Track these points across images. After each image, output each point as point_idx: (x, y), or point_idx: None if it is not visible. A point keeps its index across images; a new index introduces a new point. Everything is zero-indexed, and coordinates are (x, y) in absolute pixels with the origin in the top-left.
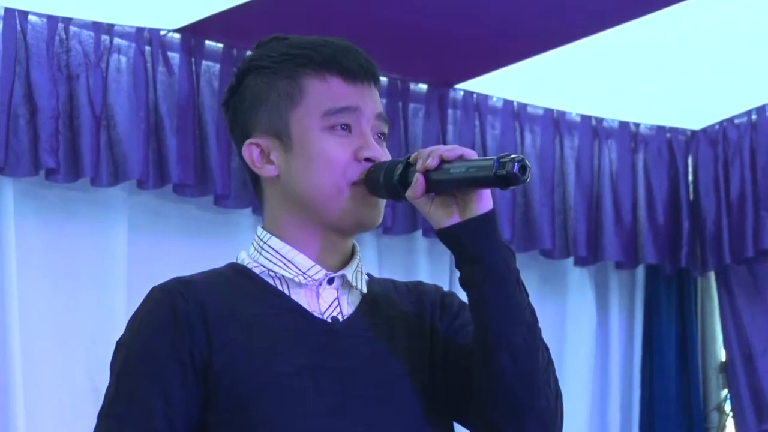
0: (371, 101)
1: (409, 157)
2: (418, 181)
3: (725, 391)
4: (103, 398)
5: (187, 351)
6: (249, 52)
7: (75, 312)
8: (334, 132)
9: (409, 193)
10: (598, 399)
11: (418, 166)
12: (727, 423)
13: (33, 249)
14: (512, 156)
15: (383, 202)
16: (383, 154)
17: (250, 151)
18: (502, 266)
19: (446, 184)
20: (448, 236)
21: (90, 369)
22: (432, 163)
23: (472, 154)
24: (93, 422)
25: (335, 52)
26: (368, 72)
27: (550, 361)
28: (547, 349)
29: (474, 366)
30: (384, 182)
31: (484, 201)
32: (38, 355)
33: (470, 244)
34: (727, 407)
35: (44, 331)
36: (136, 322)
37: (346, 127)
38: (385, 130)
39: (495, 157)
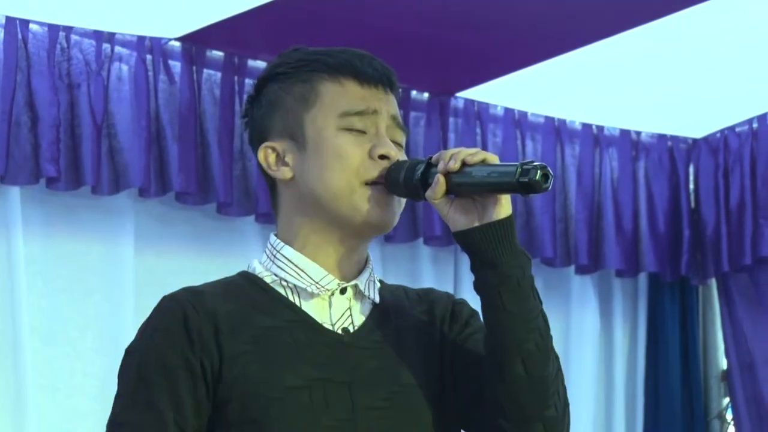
0: (387, 106)
1: (431, 157)
2: (438, 182)
3: (727, 400)
4: (114, 405)
5: (198, 362)
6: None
7: (84, 317)
8: (349, 132)
9: (428, 194)
10: (602, 406)
11: (440, 167)
12: (729, 431)
13: (41, 255)
14: (535, 163)
15: (399, 204)
16: (398, 153)
17: (266, 154)
18: (518, 272)
19: (467, 188)
20: (466, 239)
21: (99, 374)
22: (454, 165)
23: (494, 158)
24: (102, 429)
25: (350, 57)
26: (384, 76)
27: (559, 370)
28: (557, 358)
29: (484, 372)
30: (404, 180)
31: (504, 206)
32: (48, 361)
33: (487, 249)
34: (729, 415)
35: (53, 338)
36: (147, 331)
37: (361, 131)
38: (401, 139)
39: (518, 163)
